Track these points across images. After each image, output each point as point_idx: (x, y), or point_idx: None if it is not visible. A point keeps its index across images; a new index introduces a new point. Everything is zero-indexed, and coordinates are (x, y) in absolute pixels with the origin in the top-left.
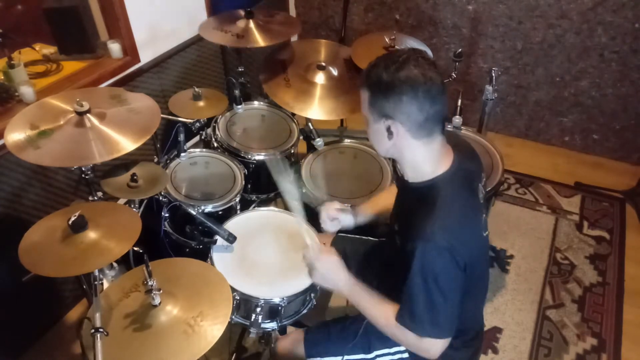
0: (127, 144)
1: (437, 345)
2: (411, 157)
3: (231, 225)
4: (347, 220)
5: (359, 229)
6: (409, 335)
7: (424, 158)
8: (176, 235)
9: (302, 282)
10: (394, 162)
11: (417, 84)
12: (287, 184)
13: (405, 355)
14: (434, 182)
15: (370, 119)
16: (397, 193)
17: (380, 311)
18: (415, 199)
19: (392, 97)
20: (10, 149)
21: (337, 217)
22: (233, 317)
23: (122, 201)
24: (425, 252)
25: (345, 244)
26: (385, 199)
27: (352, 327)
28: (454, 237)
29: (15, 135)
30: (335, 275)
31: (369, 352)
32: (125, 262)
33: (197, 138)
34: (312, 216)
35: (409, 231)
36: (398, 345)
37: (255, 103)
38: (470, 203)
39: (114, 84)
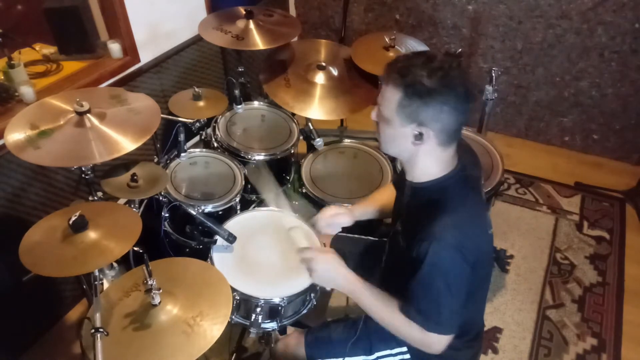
0: (127, 144)
1: (441, 341)
2: (424, 162)
3: (231, 225)
4: (345, 221)
5: (359, 229)
6: (414, 328)
7: (438, 162)
8: (176, 235)
9: (302, 282)
10: (393, 162)
11: (460, 95)
12: (271, 193)
13: (407, 356)
14: (440, 181)
15: (395, 121)
16: (398, 193)
17: (384, 305)
18: (421, 198)
19: (432, 105)
20: (10, 149)
21: (332, 222)
22: (233, 317)
23: (122, 201)
24: (436, 251)
25: (345, 244)
26: (385, 194)
27: (353, 328)
28: (464, 235)
29: (15, 135)
30: (334, 273)
31: (370, 353)
32: (125, 262)
33: (197, 138)
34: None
35: (416, 231)
36: (399, 345)
37: (255, 103)
38: (476, 201)
39: (114, 84)
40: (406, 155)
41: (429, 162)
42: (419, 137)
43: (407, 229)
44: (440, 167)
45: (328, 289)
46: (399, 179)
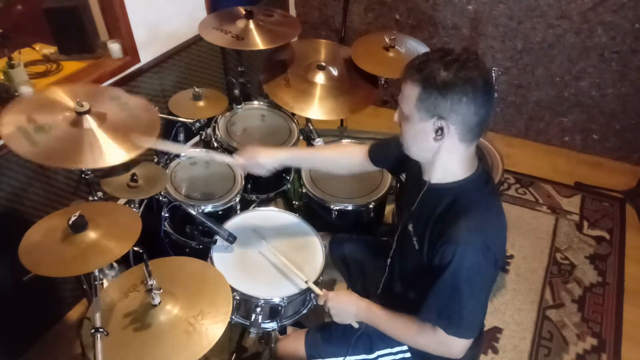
0: (120, 155)
1: (460, 345)
2: (446, 160)
3: (231, 225)
4: (267, 160)
5: (358, 229)
6: (430, 336)
7: (460, 161)
8: (176, 235)
9: (302, 282)
10: None
11: (478, 86)
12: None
13: (408, 355)
14: (463, 183)
15: (414, 117)
16: (412, 193)
17: (399, 322)
18: (441, 200)
19: (450, 97)
20: (4, 140)
21: (252, 162)
22: (233, 317)
23: (122, 201)
24: (463, 254)
25: (345, 245)
26: (331, 149)
27: (353, 327)
28: (490, 238)
29: (10, 127)
30: (346, 305)
31: (371, 352)
32: (125, 262)
33: (197, 138)
34: (313, 216)
35: (437, 234)
36: (400, 344)
37: (255, 103)
38: (497, 204)
39: (114, 84)
40: (429, 154)
41: (451, 161)
42: (440, 131)
43: (424, 231)
44: (462, 167)
45: (355, 325)
46: (411, 179)
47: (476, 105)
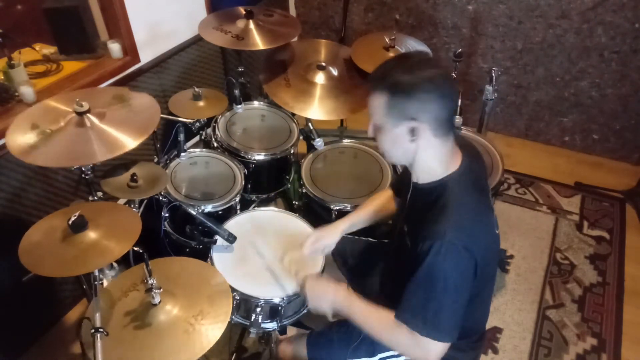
0: (128, 142)
1: (435, 348)
2: (426, 158)
3: (231, 225)
4: (330, 241)
5: (359, 230)
6: (406, 335)
7: (439, 157)
8: (176, 235)
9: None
10: (394, 164)
11: (439, 82)
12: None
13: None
14: (444, 181)
15: (387, 124)
16: (402, 195)
17: (375, 316)
18: (426, 199)
19: (415, 97)
20: (14, 154)
21: (317, 247)
22: (233, 317)
23: (122, 201)
24: (438, 250)
25: (346, 245)
26: (376, 201)
27: (355, 330)
28: (468, 235)
29: (18, 139)
30: (325, 294)
31: (373, 355)
32: (125, 262)
33: (197, 138)
34: (313, 216)
35: (420, 231)
36: None
37: (255, 103)
38: (481, 201)
39: (114, 84)
40: (410, 156)
41: (430, 158)
42: (413, 132)
43: (412, 229)
44: (443, 165)
45: (329, 316)
46: (401, 180)
47: (443, 100)
